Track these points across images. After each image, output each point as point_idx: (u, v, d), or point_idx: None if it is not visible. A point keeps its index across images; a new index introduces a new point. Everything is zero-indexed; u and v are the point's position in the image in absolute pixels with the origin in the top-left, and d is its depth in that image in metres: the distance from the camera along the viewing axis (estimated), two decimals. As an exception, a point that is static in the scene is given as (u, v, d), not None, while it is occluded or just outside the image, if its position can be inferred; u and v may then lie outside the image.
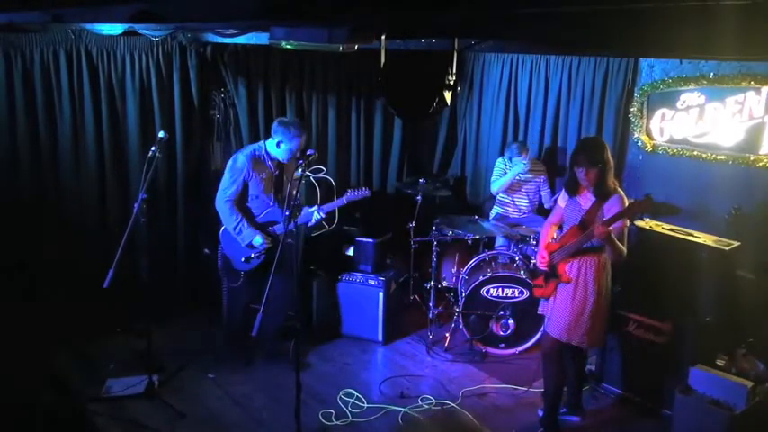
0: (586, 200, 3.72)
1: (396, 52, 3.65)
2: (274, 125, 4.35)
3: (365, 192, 4.56)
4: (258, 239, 4.33)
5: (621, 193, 3.66)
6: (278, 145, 4.31)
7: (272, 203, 4.44)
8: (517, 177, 5.39)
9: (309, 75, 5.75)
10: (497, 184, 5.47)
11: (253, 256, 4.41)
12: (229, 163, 4.36)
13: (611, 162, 3.66)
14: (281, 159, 4.38)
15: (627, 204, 3.57)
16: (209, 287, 5.20)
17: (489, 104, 6.17)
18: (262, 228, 4.40)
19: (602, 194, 3.64)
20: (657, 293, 4.14)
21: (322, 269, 5.15)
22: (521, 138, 5.88)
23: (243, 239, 4.35)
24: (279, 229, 4.40)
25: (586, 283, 3.68)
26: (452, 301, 5.41)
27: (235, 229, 4.32)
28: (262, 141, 4.46)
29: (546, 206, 5.50)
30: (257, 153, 4.36)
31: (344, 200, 4.52)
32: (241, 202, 4.36)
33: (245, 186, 4.34)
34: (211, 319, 5.10)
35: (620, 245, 3.58)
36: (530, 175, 5.44)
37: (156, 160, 3.92)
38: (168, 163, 5.10)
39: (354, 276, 5.08)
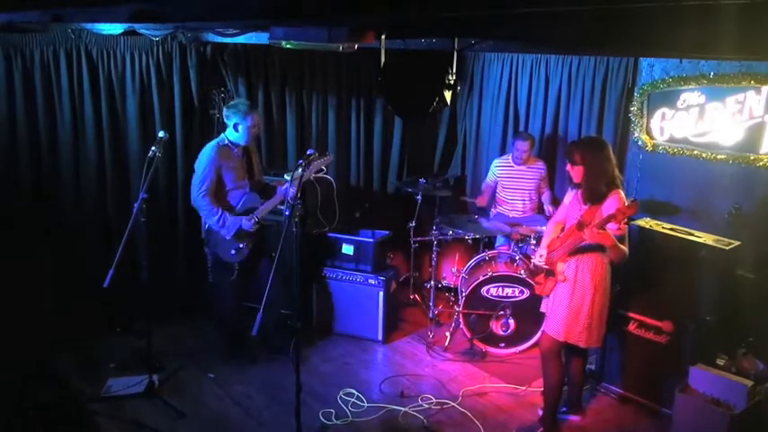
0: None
1: (396, 52, 3.65)
2: (225, 112, 4.41)
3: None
4: (246, 222, 4.35)
5: (620, 194, 3.59)
6: (236, 128, 4.35)
7: (247, 190, 4.47)
8: (503, 170, 5.46)
9: (309, 75, 5.75)
10: (483, 184, 5.68)
11: (242, 246, 4.41)
12: (197, 161, 4.38)
13: (604, 165, 3.57)
14: (242, 143, 4.42)
15: (617, 207, 3.53)
16: (210, 287, 5.21)
17: (489, 104, 6.17)
18: (244, 215, 4.42)
19: (590, 196, 3.61)
20: (658, 293, 4.14)
21: (321, 268, 5.15)
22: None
23: (228, 231, 4.35)
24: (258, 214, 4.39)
25: (584, 283, 3.68)
26: (452, 300, 5.41)
27: (218, 221, 4.32)
28: (220, 135, 4.48)
29: (546, 204, 5.48)
30: (221, 143, 4.39)
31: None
32: (219, 197, 4.37)
33: (220, 179, 4.35)
34: (211, 319, 5.10)
35: (622, 246, 3.56)
36: (523, 168, 5.43)
37: (156, 160, 3.92)
38: (168, 163, 5.10)
39: (354, 276, 5.08)
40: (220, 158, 4.32)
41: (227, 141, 4.40)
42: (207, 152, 4.34)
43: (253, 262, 4.49)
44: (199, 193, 4.30)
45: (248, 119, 4.34)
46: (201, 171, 4.31)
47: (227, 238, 4.38)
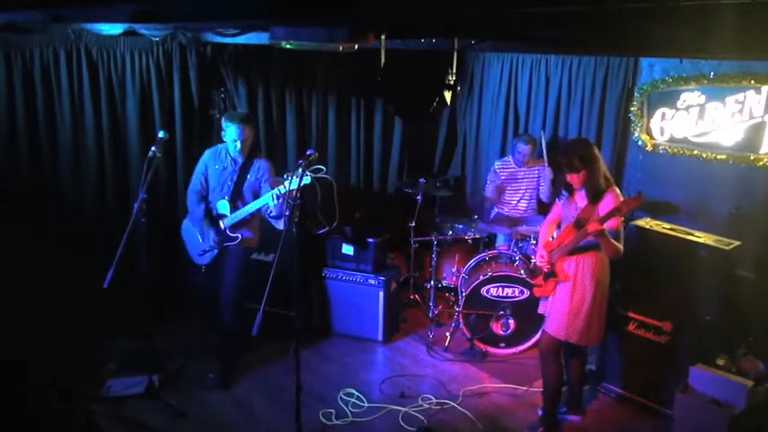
0: (582, 198, 3.73)
1: (396, 52, 3.65)
2: None
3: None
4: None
5: (616, 190, 3.65)
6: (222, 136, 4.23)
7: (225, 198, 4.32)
8: (502, 175, 5.45)
9: (309, 75, 5.75)
10: (486, 189, 5.65)
11: (207, 249, 4.35)
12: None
13: (599, 161, 3.64)
14: (230, 152, 4.25)
15: (620, 201, 3.56)
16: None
17: (489, 104, 6.17)
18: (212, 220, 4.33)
19: (594, 194, 3.64)
20: (658, 293, 4.15)
21: (322, 268, 5.15)
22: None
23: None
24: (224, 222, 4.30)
25: (584, 282, 3.69)
26: (452, 300, 5.41)
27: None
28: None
29: (544, 200, 5.48)
30: (219, 147, 4.32)
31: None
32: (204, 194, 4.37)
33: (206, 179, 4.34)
34: (211, 319, 5.09)
35: (616, 243, 3.57)
36: (524, 169, 5.43)
37: (156, 160, 3.91)
38: (168, 163, 5.10)
39: (354, 276, 5.08)
40: (210, 159, 4.44)
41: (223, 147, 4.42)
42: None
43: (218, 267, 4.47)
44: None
45: (226, 130, 4.20)
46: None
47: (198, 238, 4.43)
